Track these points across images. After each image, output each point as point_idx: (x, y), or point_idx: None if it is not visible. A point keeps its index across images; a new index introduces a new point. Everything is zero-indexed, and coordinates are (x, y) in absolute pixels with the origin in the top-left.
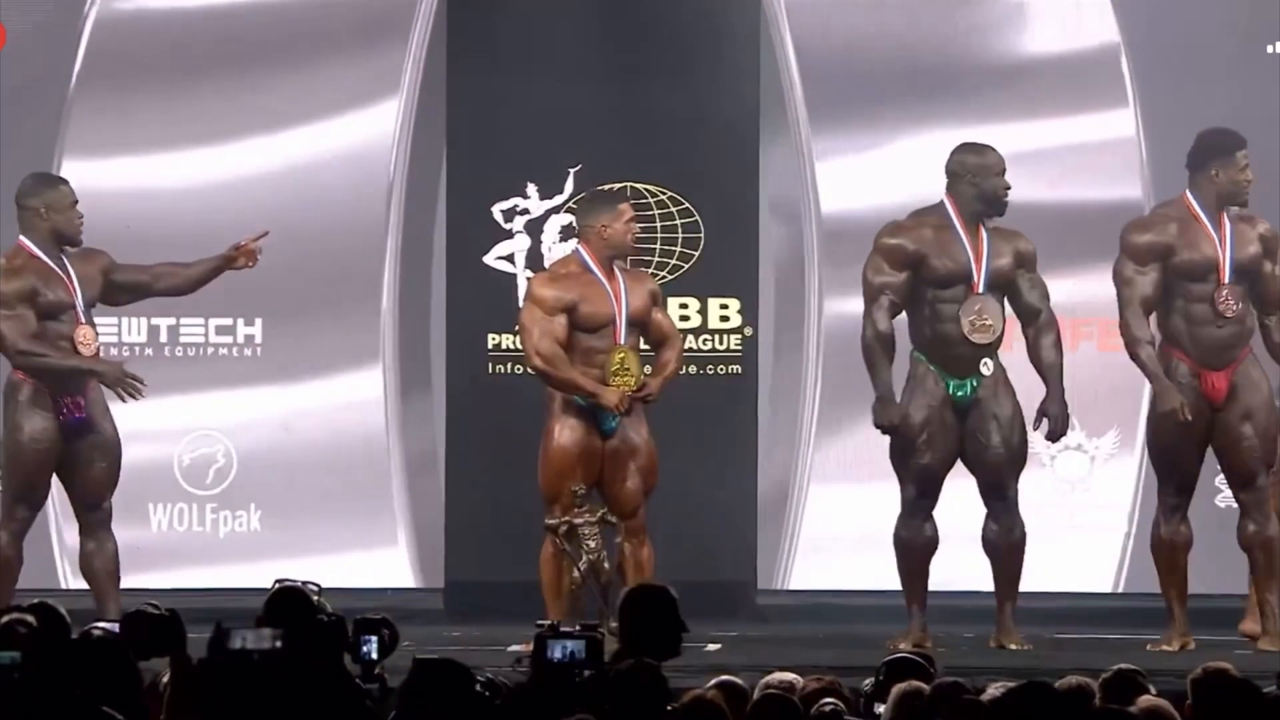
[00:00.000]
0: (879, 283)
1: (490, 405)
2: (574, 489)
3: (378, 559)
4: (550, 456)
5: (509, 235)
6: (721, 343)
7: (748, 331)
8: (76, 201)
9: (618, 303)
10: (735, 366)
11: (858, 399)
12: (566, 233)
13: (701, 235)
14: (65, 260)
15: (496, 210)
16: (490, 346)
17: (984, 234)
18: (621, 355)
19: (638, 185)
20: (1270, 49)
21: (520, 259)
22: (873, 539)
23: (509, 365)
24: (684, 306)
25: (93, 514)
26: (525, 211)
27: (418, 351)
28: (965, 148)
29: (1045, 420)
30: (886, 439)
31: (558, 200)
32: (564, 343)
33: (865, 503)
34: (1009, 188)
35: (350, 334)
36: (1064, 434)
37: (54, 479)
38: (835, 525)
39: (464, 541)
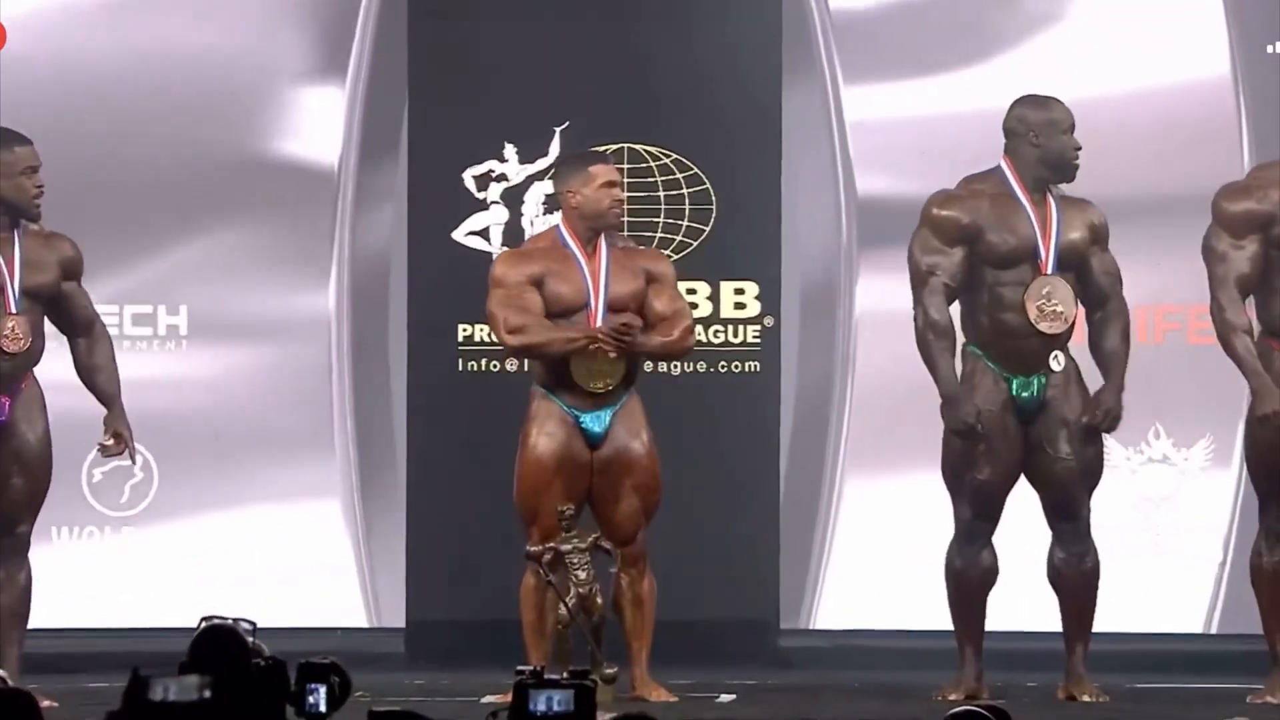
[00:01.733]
0: (928, 263)
1: (461, 410)
2: (560, 509)
3: (326, 593)
4: (524, 469)
5: (483, 206)
6: (736, 335)
7: (768, 322)
8: (34, 168)
9: (594, 284)
10: (753, 363)
11: (898, 402)
12: (552, 203)
13: (713, 207)
14: (18, 235)
15: (468, 176)
16: (461, 340)
17: (1052, 203)
18: (596, 347)
19: (637, 146)
20: (1270, 49)
21: (496, 234)
22: (917, 568)
23: (483, 361)
24: (692, 292)
25: (4, 539)
26: (502, 178)
27: (373, 347)
28: (1026, 101)
29: (1096, 411)
30: (936, 450)
31: (541, 164)
32: (541, 314)
33: (909, 525)
34: (1079, 148)
35: (292, 326)
36: (1110, 430)
37: None
38: (872, 552)
39: (429, 573)
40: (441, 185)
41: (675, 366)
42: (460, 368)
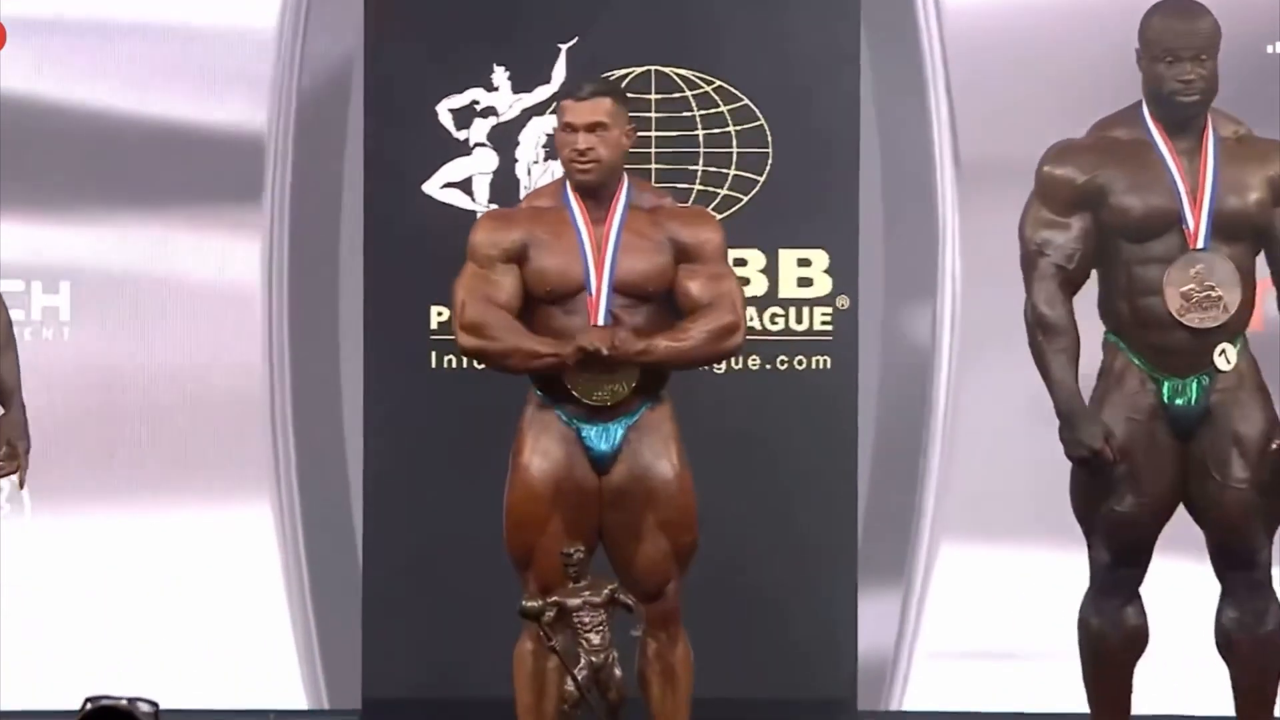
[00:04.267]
0: (1038, 240)
1: (436, 422)
2: (566, 551)
3: (255, 664)
4: (513, 498)
5: (464, 150)
6: (800, 319)
7: (842, 303)
8: None
9: (596, 258)
10: (822, 358)
11: (1013, 411)
12: (554, 143)
13: (769, 151)
14: None
15: (445, 110)
16: (435, 327)
17: (1209, 150)
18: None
19: (667, 70)
20: (1270, 49)
21: (482, 187)
22: (1033, 633)
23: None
24: (740, 263)
25: None
26: (490, 112)
27: (317, 339)
28: (1155, 8)
29: None
30: (1060, 477)
31: (541, 94)
32: (516, 303)
33: (1024, 573)
34: (1188, 80)
35: (204, 309)
36: None
37: None
38: (976, 611)
39: (392, 640)
40: (408, 122)
41: (718, 364)
42: (434, 364)
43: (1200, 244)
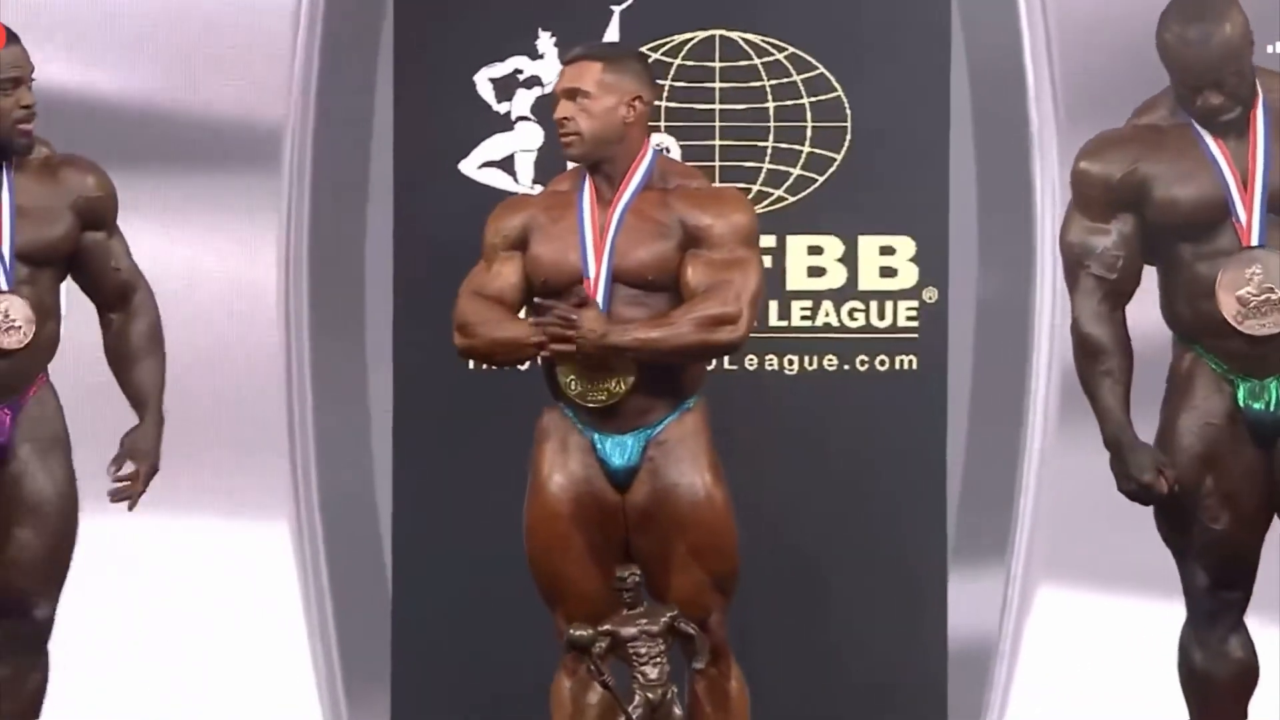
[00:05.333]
0: (1078, 250)
1: (474, 428)
2: (622, 574)
3: (268, 696)
4: (531, 518)
5: (506, 125)
6: (882, 315)
7: (930, 296)
8: (16, 80)
9: (595, 243)
10: (907, 357)
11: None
12: None
13: (847, 125)
14: (6, 172)
15: (484, 80)
16: None
17: (1258, 124)
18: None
19: (732, 35)
20: (1270, 49)
21: (525, 166)
22: (1143, 664)
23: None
24: (815, 251)
25: (16, 623)
26: (535, 81)
27: (343, 337)
28: (1171, 10)
29: None
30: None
31: None
32: (512, 294)
33: (1132, 602)
34: (1215, 106)
35: (218, 303)
36: None
37: None
38: (1080, 643)
39: (423, 671)
40: (444, 92)
41: (786, 361)
42: (473, 365)
43: (1255, 240)
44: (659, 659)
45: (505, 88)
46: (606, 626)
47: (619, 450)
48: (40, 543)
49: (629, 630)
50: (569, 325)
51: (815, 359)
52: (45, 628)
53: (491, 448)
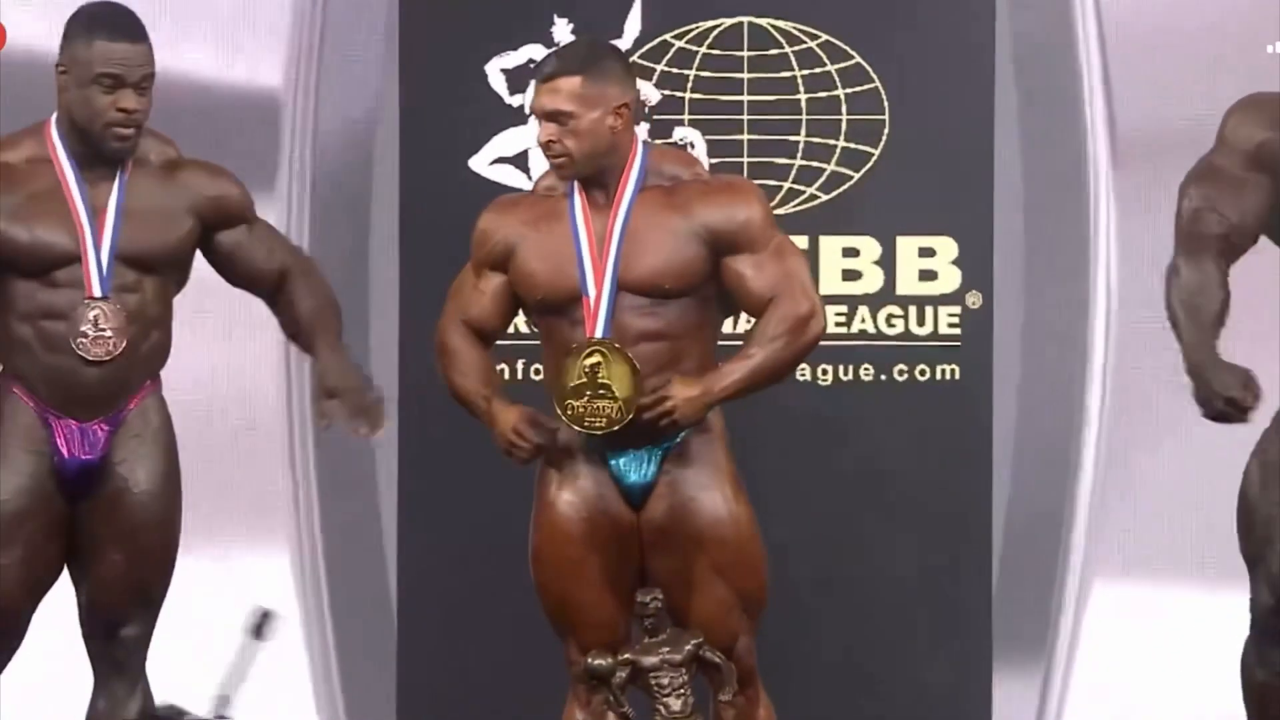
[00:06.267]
0: (1204, 195)
1: (485, 444)
2: (643, 600)
3: (268, 712)
4: (539, 541)
5: (520, 119)
6: (922, 322)
7: (973, 301)
8: (114, 76)
9: (592, 253)
10: (949, 366)
11: (1182, 430)
12: None
13: (885, 118)
14: (121, 173)
15: (496, 70)
16: None
17: None
18: (594, 360)
19: (761, 22)
20: (1270, 49)
21: (541, 161)
22: (1204, 676)
23: (525, 366)
24: (850, 253)
25: (105, 644)
26: None
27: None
28: None
29: None
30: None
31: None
32: (495, 321)
33: (1190, 616)
34: None
35: (221, 301)
36: None
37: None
38: (1133, 657)
39: (428, 697)
40: (453, 84)
41: (819, 371)
42: None
43: None
44: (683, 690)
45: (519, 79)
46: (627, 656)
47: (635, 465)
48: (131, 563)
49: (650, 660)
50: (661, 402)
51: (850, 369)
52: (135, 649)
53: (502, 465)
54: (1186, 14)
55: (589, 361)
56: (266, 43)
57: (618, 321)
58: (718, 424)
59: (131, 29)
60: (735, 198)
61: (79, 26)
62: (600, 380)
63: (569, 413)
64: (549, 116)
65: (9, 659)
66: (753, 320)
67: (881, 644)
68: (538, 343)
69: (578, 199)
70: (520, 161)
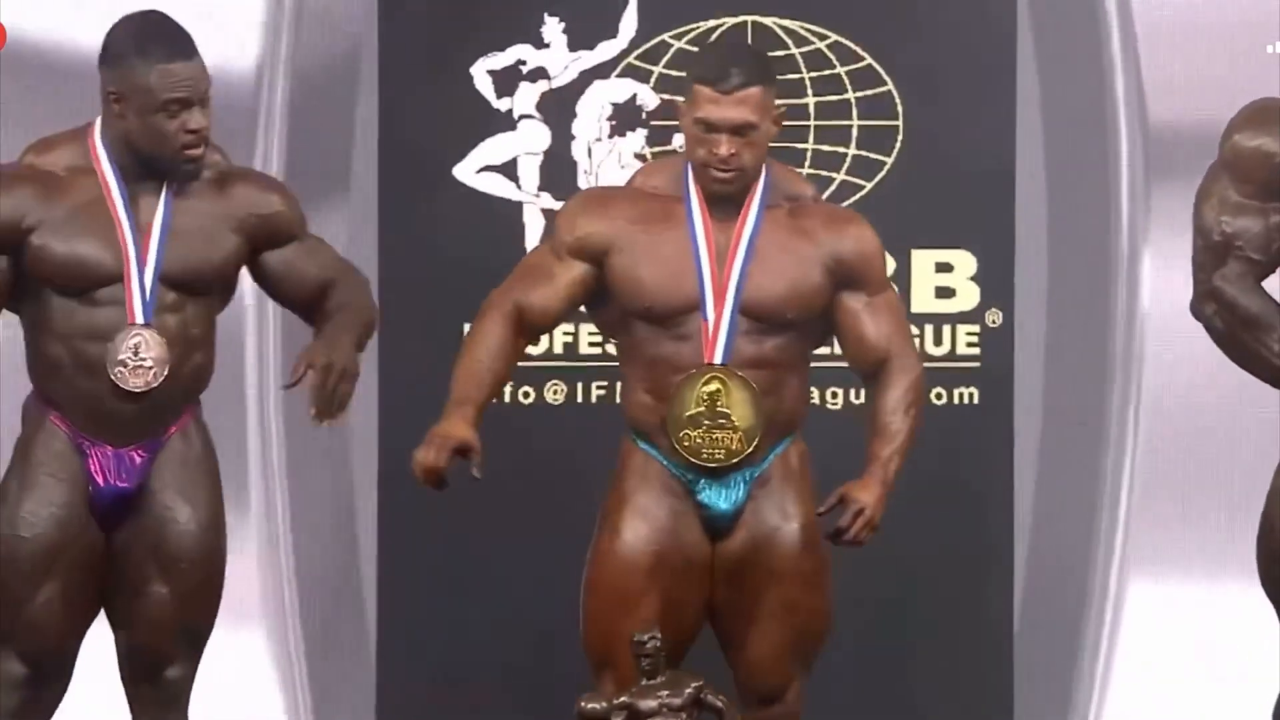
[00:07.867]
0: (1228, 229)
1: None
2: (639, 638)
3: None
4: (600, 572)
5: (508, 124)
6: (940, 341)
7: (993, 319)
8: (182, 100)
9: (713, 270)
10: (967, 390)
11: (1217, 452)
12: (624, 117)
13: (898, 124)
14: (167, 192)
15: (482, 72)
16: None
17: None
18: (713, 387)
19: (766, 20)
20: (1270, 49)
21: (529, 170)
22: (1252, 687)
23: (526, 389)
24: None
25: (148, 688)
26: (540, 74)
27: None
28: None
29: None
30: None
31: (605, 51)
32: (555, 311)
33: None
34: None
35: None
36: None
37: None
38: (1167, 688)
39: (407, 698)
40: (435, 88)
41: (829, 394)
42: None
43: None
44: None
45: (507, 81)
46: (623, 699)
47: (723, 493)
48: (178, 600)
49: (648, 703)
50: (857, 518)
51: (861, 392)
52: (179, 691)
53: (491, 493)
54: (1222, 10)
55: (707, 389)
56: (235, 39)
57: (735, 348)
58: (802, 445)
59: (185, 44)
60: (862, 231)
61: (127, 48)
62: (719, 409)
63: (685, 444)
64: (736, 130)
65: (58, 702)
66: (849, 362)
67: (898, 678)
68: (597, 364)
69: (696, 206)
70: (509, 170)
